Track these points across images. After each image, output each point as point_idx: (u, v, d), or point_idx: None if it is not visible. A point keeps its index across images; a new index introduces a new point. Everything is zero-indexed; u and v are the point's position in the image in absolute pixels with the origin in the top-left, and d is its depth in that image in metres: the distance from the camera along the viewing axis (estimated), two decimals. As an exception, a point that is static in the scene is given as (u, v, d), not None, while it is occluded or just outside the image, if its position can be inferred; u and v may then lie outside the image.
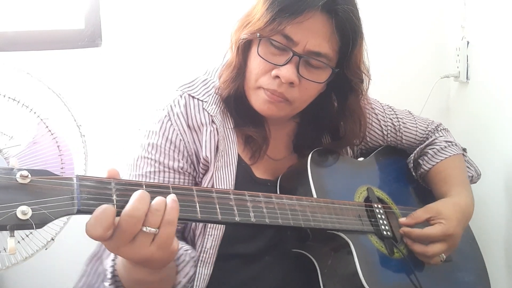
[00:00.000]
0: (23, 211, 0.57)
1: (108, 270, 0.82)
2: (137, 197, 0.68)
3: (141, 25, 1.66)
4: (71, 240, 1.41)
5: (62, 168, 1.37)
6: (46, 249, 1.36)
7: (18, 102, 1.32)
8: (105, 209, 0.65)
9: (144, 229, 0.68)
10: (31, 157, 1.34)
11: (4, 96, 1.30)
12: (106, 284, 0.83)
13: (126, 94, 1.66)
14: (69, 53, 1.60)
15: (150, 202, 0.69)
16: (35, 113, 1.34)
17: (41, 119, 1.35)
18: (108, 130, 1.63)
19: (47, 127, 1.36)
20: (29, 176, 0.60)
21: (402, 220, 1.10)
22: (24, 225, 0.57)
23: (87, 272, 0.91)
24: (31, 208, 0.57)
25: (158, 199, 0.70)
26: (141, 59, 1.66)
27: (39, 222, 0.58)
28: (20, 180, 0.59)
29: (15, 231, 0.57)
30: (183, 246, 0.92)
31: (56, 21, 1.62)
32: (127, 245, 0.68)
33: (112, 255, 0.84)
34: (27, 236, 1.33)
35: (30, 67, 1.35)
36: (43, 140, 1.35)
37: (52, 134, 1.36)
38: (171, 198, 0.71)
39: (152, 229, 0.68)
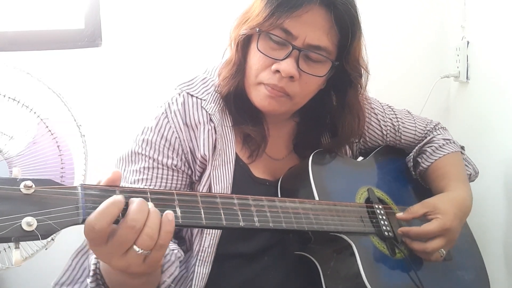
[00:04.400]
0: (28, 222, 0.56)
1: (91, 268, 0.81)
2: (136, 208, 0.67)
3: (141, 25, 1.65)
4: (71, 240, 1.41)
5: (62, 168, 1.37)
6: (46, 249, 1.36)
7: (18, 102, 1.32)
8: (114, 201, 0.64)
9: (137, 250, 0.67)
10: (31, 157, 1.33)
11: (4, 96, 1.30)
12: (88, 280, 0.82)
13: (126, 94, 1.65)
14: (69, 53, 1.60)
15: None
16: (35, 113, 1.34)
17: (41, 119, 1.35)
18: (108, 130, 1.63)
19: (47, 127, 1.35)
20: (33, 186, 0.59)
21: (399, 215, 1.09)
22: (29, 236, 0.56)
23: (72, 266, 0.90)
24: (36, 219, 0.57)
25: (153, 223, 0.68)
26: (141, 59, 1.66)
27: (44, 233, 0.57)
28: (24, 191, 0.59)
29: (19, 242, 0.56)
30: (169, 246, 0.91)
31: (56, 21, 1.61)
32: (119, 258, 0.67)
33: None
34: (27, 236, 1.33)
35: (30, 67, 1.35)
36: (43, 140, 1.35)
37: (52, 134, 1.36)
38: (168, 218, 0.69)
39: (145, 252, 0.68)
